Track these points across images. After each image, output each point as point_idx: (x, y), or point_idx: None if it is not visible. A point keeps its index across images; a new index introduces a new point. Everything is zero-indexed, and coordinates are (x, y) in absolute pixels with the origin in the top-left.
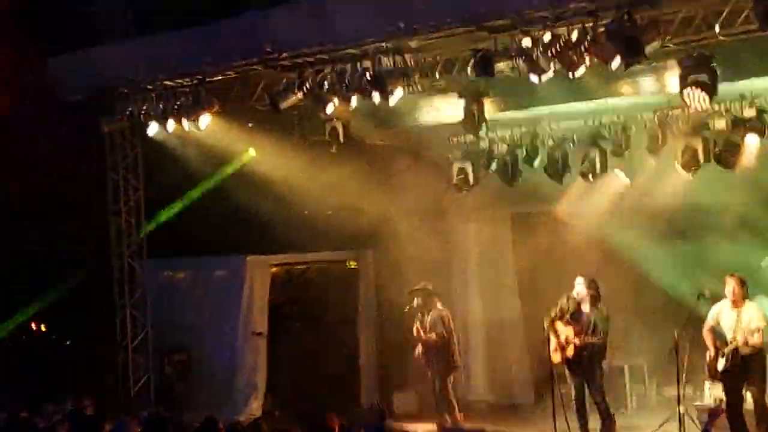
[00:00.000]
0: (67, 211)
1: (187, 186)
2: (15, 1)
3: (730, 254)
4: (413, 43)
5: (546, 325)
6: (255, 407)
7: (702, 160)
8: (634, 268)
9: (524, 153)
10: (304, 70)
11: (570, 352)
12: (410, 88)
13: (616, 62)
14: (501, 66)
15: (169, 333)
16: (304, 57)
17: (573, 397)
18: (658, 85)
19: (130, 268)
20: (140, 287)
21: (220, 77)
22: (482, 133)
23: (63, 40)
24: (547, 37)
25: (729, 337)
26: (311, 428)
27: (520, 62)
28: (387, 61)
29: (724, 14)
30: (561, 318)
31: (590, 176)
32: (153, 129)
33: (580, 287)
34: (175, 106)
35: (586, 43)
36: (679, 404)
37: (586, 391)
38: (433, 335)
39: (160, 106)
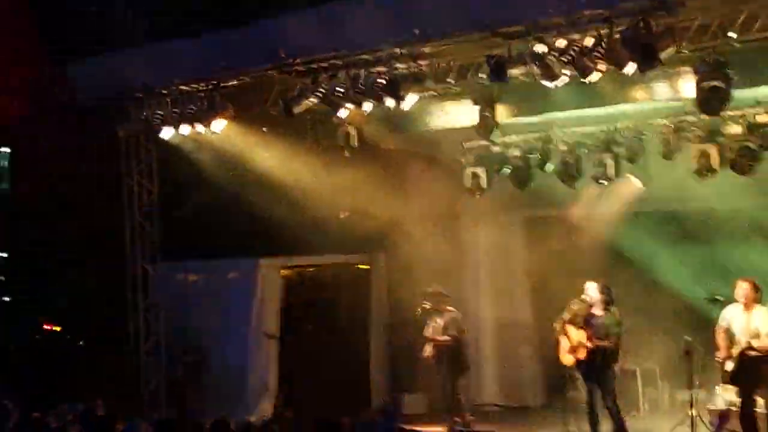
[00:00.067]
0: (83, 214)
1: (201, 190)
2: (33, 6)
3: (744, 258)
4: (427, 49)
5: (558, 328)
6: (266, 408)
7: (717, 166)
8: (646, 272)
9: (537, 158)
10: (318, 75)
11: (582, 355)
12: (424, 94)
13: (631, 68)
14: (514, 71)
15: (181, 335)
16: (318, 62)
17: (585, 401)
18: (672, 90)
19: (143, 270)
20: (154, 289)
21: (234, 82)
22: (495, 137)
23: (80, 45)
24: (561, 42)
25: (739, 339)
26: (322, 429)
27: (534, 68)
28: (401, 67)
29: (740, 20)
30: (573, 322)
31: (603, 181)
32: (168, 133)
33: (592, 291)
34: (190, 111)
35: (600, 49)
36: (691, 408)
37: (598, 395)
38: (447, 337)
39: (175, 111)
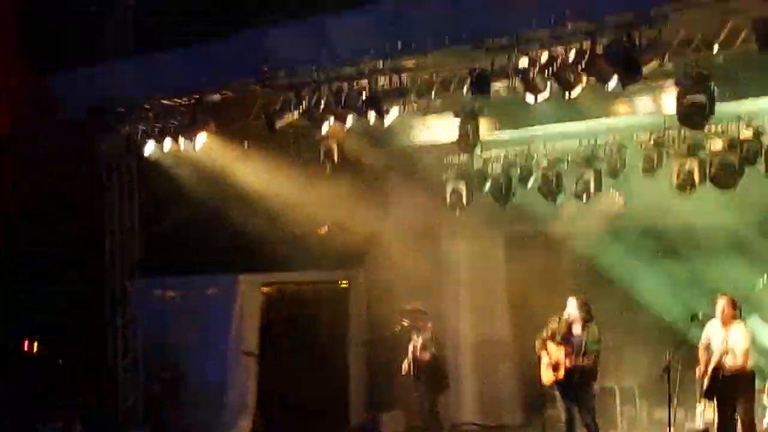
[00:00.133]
0: (61, 228)
1: (182, 205)
2: (16, 17)
3: (724, 275)
4: (409, 63)
5: (538, 345)
6: (245, 426)
7: (698, 181)
8: (626, 290)
9: (518, 173)
10: (301, 89)
11: (561, 373)
12: (406, 108)
13: (613, 82)
14: (497, 85)
15: (160, 351)
16: (300, 76)
17: (563, 419)
18: (654, 105)
19: (122, 286)
20: (132, 305)
21: (216, 96)
22: (476, 153)
23: (62, 58)
24: (544, 57)
25: (716, 356)
26: None
27: (517, 82)
28: (383, 81)
29: (723, 34)
30: (552, 339)
31: (584, 197)
32: (149, 148)
33: (571, 308)
34: (172, 125)
35: (583, 63)
36: (670, 427)
37: (577, 413)
38: (427, 355)
39: (157, 125)
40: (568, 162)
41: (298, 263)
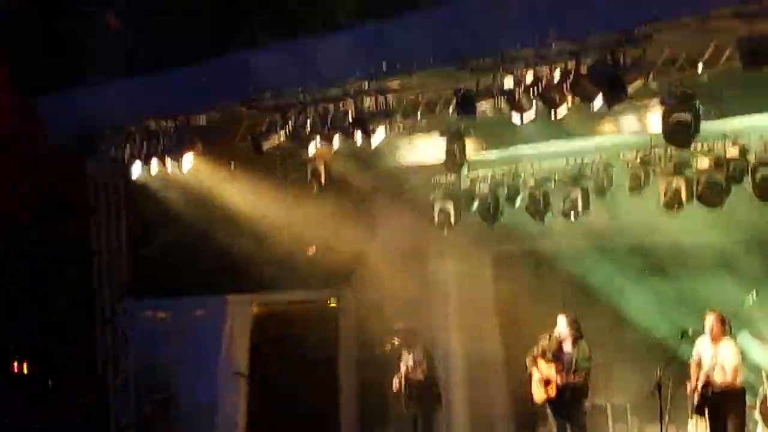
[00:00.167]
0: (50, 251)
1: (170, 227)
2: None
3: (712, 293)
4: (395, 84)
5: (528, 363)
6: None
7: (685, 200)
8: (615, 307)
9: (505, 192)
10: (287, 110)
11: (552, 391)
12: (392, 129)
13: (599, 102)
14: (483, 106)
15: (150, 373)
16: (287, 97)
17: None
18: (639, 124)
19: (111, 308)
20: (122, 327)
21: (203, 118)
22: (463, 173)
23: (49, 81)
24: (529, 76)
25: (706, 372)
26: None
27: (502, 102)
28: (369, 102)
29: (708, 53)
30: (543, 356)
31: (572, 215)
32: (137, 170)
33: (561, 326)
34: (159, 148)
35: (568, 82)
36: None
37: (569, 431)
38: (420, 374)
39: (144, 147)
40: (555, 181)
41: (287, 283)
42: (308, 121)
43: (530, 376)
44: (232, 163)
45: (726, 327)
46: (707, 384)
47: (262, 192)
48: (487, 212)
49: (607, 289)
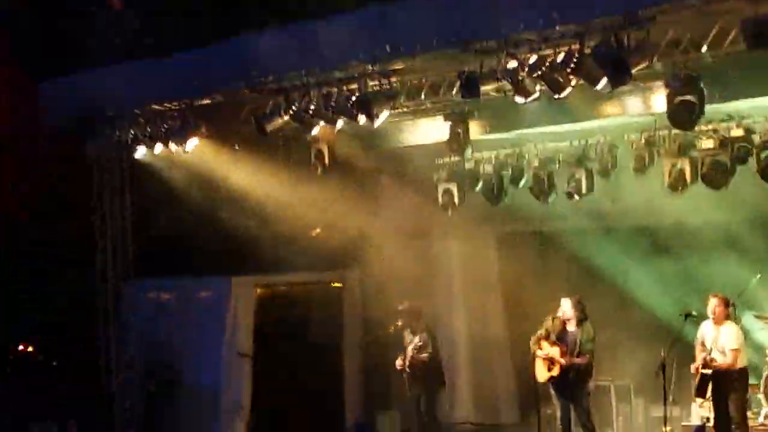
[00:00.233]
0: (55, 232)
1: (174, 208)
2: (5, 26)
3: (716, 272)
4: (399, 66)
5: (532, 344)
6: (240, 427)
7: (689, 180)
8: (620, 288)
9: (510, 173)
10: (291, 93)
11: (556, 372)
12: (396, 110)
13: (603, 84)
14: (487, 87)
15: (154, 354)
16: (290, 80)
17: (558, 417)
18: (644, 105)
19: (115, 289)
20: (126, 308)
21: (207, 101)
22: (467, 153)
23: (52, 64)
24: (532, 59)
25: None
26: None
27: (506, 84)
28: (373, 84)
29: (712, 35)
30: (547, 338)
31: (576, 196)
32: (140, 152)
33: (566, 307)
34: (163, 130)
35: (572, 64)
36: (665, 424)
37: (572, 412)
38: (425, 355)
39: (148, 129)
40: (559, 162)
41: (291, 265)
42: (312, 104)
43: (534, 357)
44: (236, 145)
45: (729, 310)
46: (708, 365)
47: (266, 174)
48: (492, 193)
49: (612, 269)
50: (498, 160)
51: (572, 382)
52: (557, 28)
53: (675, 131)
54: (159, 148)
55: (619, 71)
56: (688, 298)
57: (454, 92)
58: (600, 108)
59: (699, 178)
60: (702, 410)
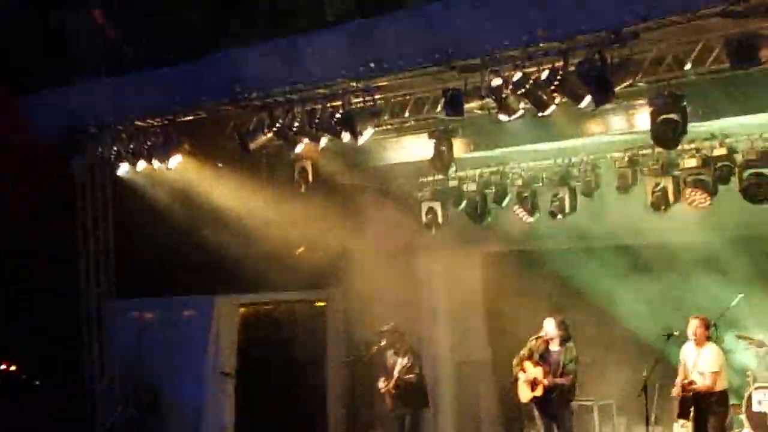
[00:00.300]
0: (37, 250)
1: (157, 226)
2: None
3: (700, 292)
4: (383, 83)
5: (515, 365)
6: None
7: (672, 200)
8: (603, 308)
9: (493, 192)
10: (274, 109)
11: (539, 392)
12: (380, 128)
13: (586, 101)
14: (471, 105)
15: (137, 373)
16: (274, 97)
17: None
18: (627, 124)
19: (97, 308)
20: (109, 327)
21: (190, 117)
22: (451, 172)
23: (34, 79)
24: (516, 76)
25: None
26: None
27: (490, 101)
28: (357, 101)
29: (695, 53)
30: (530, 358)
31: (559, 215)
32: (123, 169)
33: (549, 327)
34: (146, 146)
35: (556, 82)
36: None
37: (555, 431)
38: (412, 376)
39: (131, 146)
40: (543, 180)
41: (274, 283)
42: (295, 121)
43: (517, 377)
44: (220, 162)
45: (709, 331)
46: (687, 388)
47: (250, 191)
48: (475, 212)
49: (595, 289)
50: (482, 179)
51: (555, 402)
52: (541, 45)
53: (658, 150)
54: (142, 165)
55: (602, 89)
56: (671, 318)
57: (438, 110)
58: (583, 126)
59: (681, 198)
60: (684, 430)
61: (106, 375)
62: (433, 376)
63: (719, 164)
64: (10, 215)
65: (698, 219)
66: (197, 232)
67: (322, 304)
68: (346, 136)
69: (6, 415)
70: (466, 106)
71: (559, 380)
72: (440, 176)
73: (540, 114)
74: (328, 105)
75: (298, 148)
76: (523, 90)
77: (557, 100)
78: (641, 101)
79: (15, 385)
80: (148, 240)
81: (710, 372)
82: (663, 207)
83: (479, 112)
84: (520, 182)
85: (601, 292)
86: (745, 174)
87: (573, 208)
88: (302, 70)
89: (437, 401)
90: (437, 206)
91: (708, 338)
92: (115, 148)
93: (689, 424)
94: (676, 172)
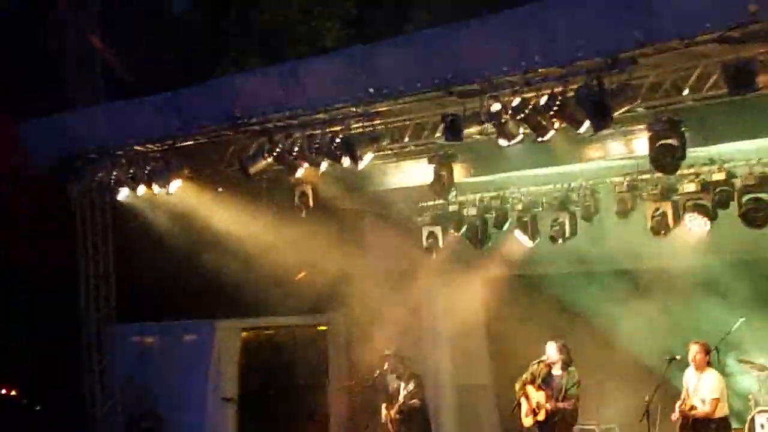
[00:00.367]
0: (37, 275)
1: (157, 251)
2: None
3: (702, 317)
4: (383, 108)
5: (518, 389)
6: None
7: (672, 224)
8: (605, 332)
9: (494, 217)
10: (274, 134)
11: (541, 416)
12: (380, 153)
13: (585, 127)
14: (470, 130)
15: (138, 399)
16: (274, 122)
17: None
18: (626, 149)
19: (99, 333)
20: (109, 352)
21: (190, 142)
22: (451, 196)
23: (33, 106)
24: (515, 101)
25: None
26: None
27: (490, 126)
28: (357, 126)
29: (693, 78)
30: (532, 382)
31: (559, 240)
32: (123, 194)
33: (551, 351)
34: (146, 172)
35: (555, 107)
36: None
37: None
38: (416, 401)
39: (131, 171)
40: (543, 205)
41: (275, 308)
42: (295, 146)
43: (519, 401)
44: (219, 187)
45: (709, 356)
46: (686, 414)
47: (250, 215)
48: (476, 236)
49: (597, 313)
50: (482, 203)
51: (558, 427)
52: (540, 70)
53: (657, 175)
54: (142, 189)
55: (601, 114)
56: (673, 342)
57: (437, 135)
58: (582, 151)
59: (680, 222)
60: None
61: (107, 400)
62: (435, 400)
63: (718, 189)
64: (10, 240)
65: (698, 243)
66: (198, 257)
67: (323, 328)
68: (346, 161)
69: None
70: (466, 131)
71: (561, 404)
72: (440, 201)
73: (539, 139)
74: (328, 130)
75: (299, 173)
76: (522, 115)
77: (556, 126)
78: (640, 126)
79: (16, 410)
80: (149, 265)
81: (710, 398)
82: (663, 232)
83: (479, 137)
84: (520, 207)
85: (602, 316)
86: (744, 199)
87: (573, 232)
88: (302, 95)
89: (439, 425)
90: (438, 231)
91: (708, 363)
92: (115, 173)
93: None
94: (676, 197)
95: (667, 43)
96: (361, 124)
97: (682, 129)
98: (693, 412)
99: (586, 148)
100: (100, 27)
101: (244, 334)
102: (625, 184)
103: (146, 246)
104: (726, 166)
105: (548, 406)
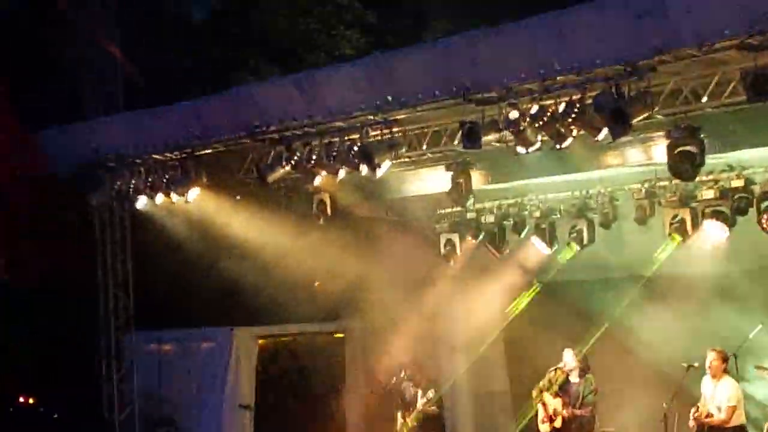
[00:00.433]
0: (56, 284)
1: (175, 259)
2: (5, 74)
3: (721, 323)
4: (401, 116)
5: (534, 396)
6: None
7: (691, 231)
8: (623, 339)
9: (512, 224)
10: (292, 142)
11: (558, 424)
12: (398, 160)
13: (604, 134)
14: (488, 138)
15: (156, 406)
16: (292, 130)
17: None
18: (645, 156)
19: (117, 340)
20: (127, 360)
21: (208, 150)
22: (469, 204)
23: (53, 114)
24: (534, 109)
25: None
26: None
27: (507, 134)
28: (374, 134)
29: (712, 86)
30: (549, 389)
31: (578, 247)
32: (142, 202)
33: (568, 358)
34: (164, 180)
35: (573, 115)
36: None
37: None
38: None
39: (149, 180)
40: (561, 212)
41: (293, 315)
42: (313, 154)
43: (536, 408)
44: (238, 195)
45: (726, 364)
46: (701, 421)
47: (268, 223)
48: (494, 243)
49: (614, 320)
50: (500, 210)
51: None
52: (558, 78)
53: (675, 182)
54: (160, 198)
55: (619, 122)
56: (690, 349)
57: (455, 142)
58: (601, 158)
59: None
60: None
61: (124, 407)
62: (452, 408)
63: (737, 196)
64: (28, 249)
65: (717, 250)
66: (215, 265)
67: (340, 335)
68: (364, 169)
69: None
70: (484, 138)
71: (578, 411)
72: (458, 208)
73: (557, 146)
74: (346, 138)
75: (317, 181)
76: (540, 123)
77: (574, 133)
78: (658, 133)
79: (33, 418)
80: (167, 272)
81: (727, 406)
82: (681, 238)
83: (497, 144)
84: (538, 214)
85: (620, 323)
86: (763, 205)
87: (591, 239)
88: (320, 103)
89: None
90: (455, 238)
91: (725, 371)
92: (134, 182)
93: None
94: (694, 204)
95: (685, 50)
96: (379, 132)
97: (701, 136)
98: (709, 419)
99: (605, 155)
100: (119, 32)
101: (261, 341)
102: (644, 191)
103: (164, 254)
104: (745, 172)
105: (565, 413)
